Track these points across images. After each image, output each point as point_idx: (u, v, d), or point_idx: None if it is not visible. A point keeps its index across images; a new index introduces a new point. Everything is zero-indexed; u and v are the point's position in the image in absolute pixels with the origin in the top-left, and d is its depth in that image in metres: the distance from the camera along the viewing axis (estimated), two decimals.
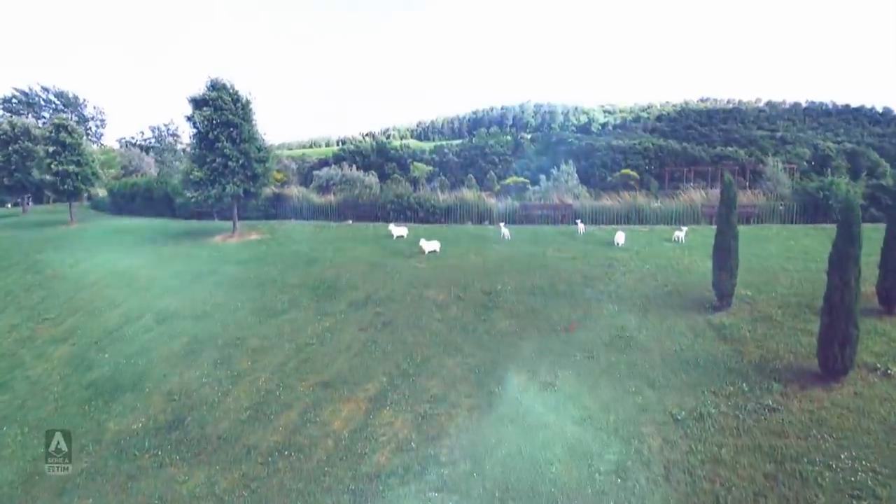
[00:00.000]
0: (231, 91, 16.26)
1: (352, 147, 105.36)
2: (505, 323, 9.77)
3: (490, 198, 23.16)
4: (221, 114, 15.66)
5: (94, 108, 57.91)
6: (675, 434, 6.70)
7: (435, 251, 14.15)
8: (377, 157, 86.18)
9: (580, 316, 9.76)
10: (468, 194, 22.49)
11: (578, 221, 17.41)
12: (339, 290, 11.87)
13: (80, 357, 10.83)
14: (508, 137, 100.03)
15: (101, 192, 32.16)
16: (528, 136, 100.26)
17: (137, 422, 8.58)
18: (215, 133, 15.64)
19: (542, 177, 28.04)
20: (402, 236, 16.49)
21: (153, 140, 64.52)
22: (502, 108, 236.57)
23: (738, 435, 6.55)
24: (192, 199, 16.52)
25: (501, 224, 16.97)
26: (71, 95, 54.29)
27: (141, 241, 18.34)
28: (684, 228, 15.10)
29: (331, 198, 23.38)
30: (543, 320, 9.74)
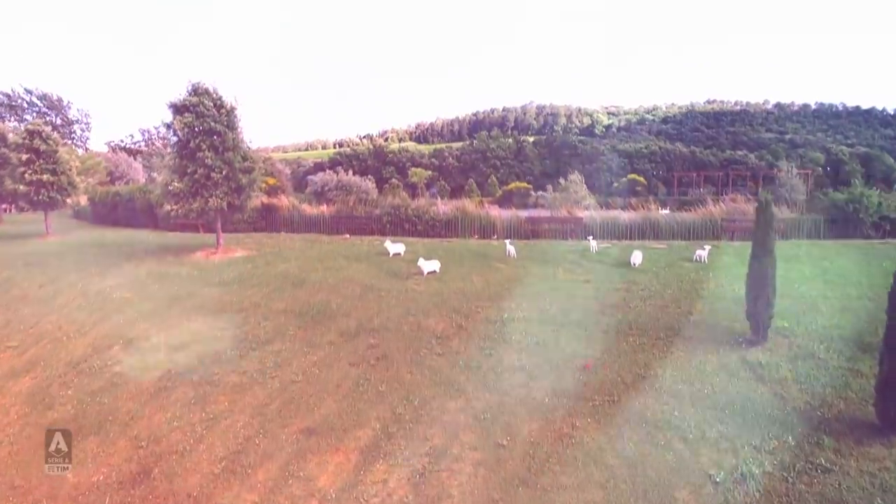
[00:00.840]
0: (214, 96, 15.54)
1: (348, 151, 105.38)
2: (513, 358, 9.00)
3: (493, 207, 22.52)
4: (203, 121, 14.91)
5: (79, 110, 57.34)
6: (715, 501, 5.92)
7: (434, 272, 13.41)
8: (374, 160, 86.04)
9: (597, 351, 9.00)
10: (470, 206, 21.78)
11: (591, 238, 16.66)
12: (328, 316, 11.11)
13: (41, 393, 10.03)
14: (510, 140, 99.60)
15: (82, 201, 31.44)
16: (531, 139, 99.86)
17: (99, 472, 7.78)
18: (196, 142, 14.91)
19: (549, 187, 27.42)
20: (399, 254, 15.76)
21: (142, 143, 63.97)
22: (503, 110, 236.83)
23: None
24: (172, 213, 15.76)
25: (507, 241, 16.21)
26: (55, 97, 53.74)
27: (118, 257, 17.58)
28: (707, 247, 14.34)
29: (323, 208, 22.66)
30: (556, 355, 8.97)
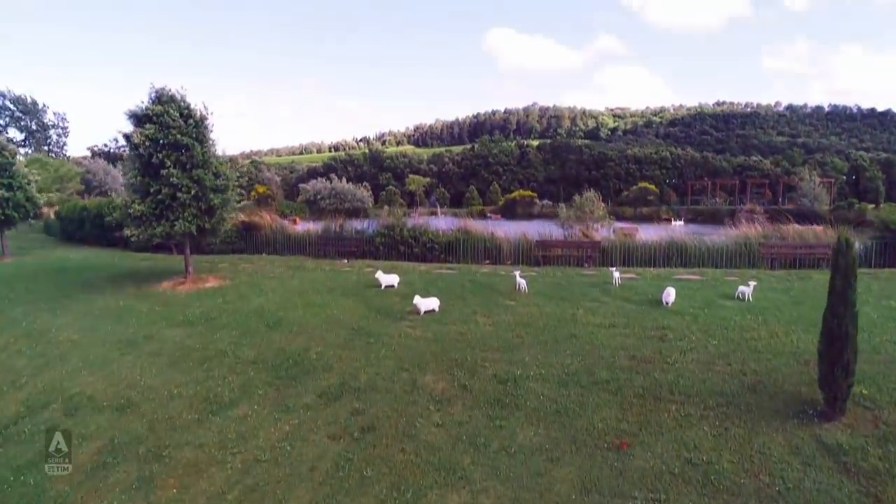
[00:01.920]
0: (181, 104, 14.18)
1: (344, 156, 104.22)
2: (529, 433, 7.58)
3: (497, 217, 21.20)
4: (168, 133, 13.54)
5: (55, 114, 55.92)
6: None
7: (433, 310, 12.00)
8: (371, 166, 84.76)
9: (633, 424, 7.57)
10: (474, 225, 20.33)
11: (613, 269, 15.25)
12: (306, 370, 9.71)
13: None
14: (513, 144, 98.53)
15: (52, 214, 30.13)
16: (535, 144, 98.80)
17: None
18: (160, 157, 13.53)
19: (562, 205, 26.08)
20: (393, 286, 14.35)
21: (126, 148, 62.43)
22: (505, 112, 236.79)
23: None
24: (133, 238, 14.35)
25: (516, 273, 14.72)
26: (29, 101, 52.26)
27: (75, 286, 16.18)
28: (752, 283, 12.84)
29: (310, 226, 21.29)
30: (582, 429, 7.55)
